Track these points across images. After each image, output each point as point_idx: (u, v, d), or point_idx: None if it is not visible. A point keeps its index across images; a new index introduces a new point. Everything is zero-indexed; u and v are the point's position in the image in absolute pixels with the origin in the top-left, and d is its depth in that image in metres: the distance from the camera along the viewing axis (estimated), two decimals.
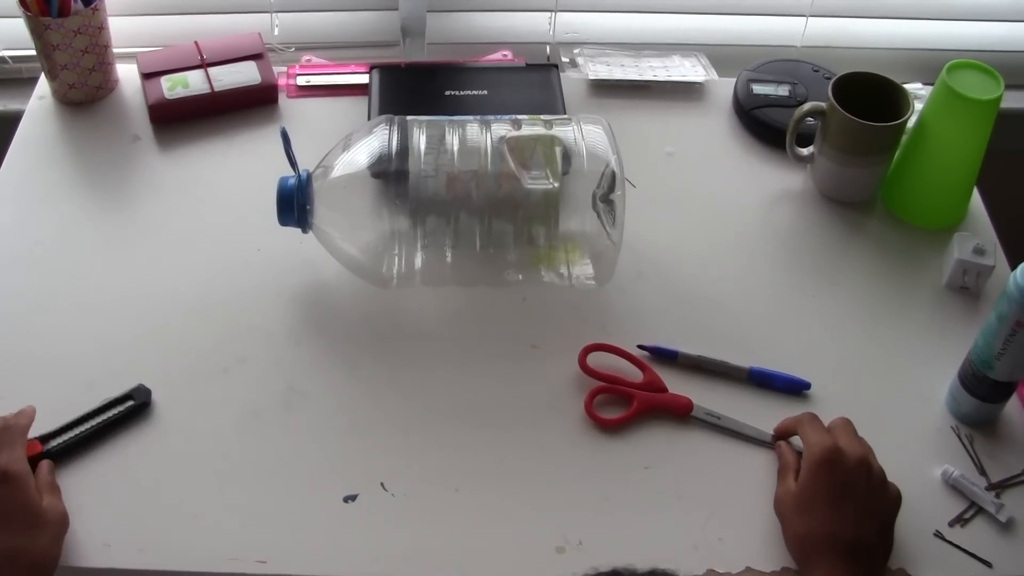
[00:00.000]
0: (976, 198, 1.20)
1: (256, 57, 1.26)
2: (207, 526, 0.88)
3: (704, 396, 0.98)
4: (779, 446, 0.94)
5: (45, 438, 0.92)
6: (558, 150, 1.00)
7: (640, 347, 1.02)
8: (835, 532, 0.84)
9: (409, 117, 1.03)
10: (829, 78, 1.20)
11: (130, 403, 0.94)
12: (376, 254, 1.00)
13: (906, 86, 1.15)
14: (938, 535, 0.91)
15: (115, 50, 1.25)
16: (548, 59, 1.38)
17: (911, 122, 1.14)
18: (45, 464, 0.89)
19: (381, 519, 0.89)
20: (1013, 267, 0.91)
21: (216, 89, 1.22)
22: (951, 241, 1.11)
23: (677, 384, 0.99)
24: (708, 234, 1.15)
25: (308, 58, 1.32)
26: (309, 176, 1.00)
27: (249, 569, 0.86)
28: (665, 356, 1.02)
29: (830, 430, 0.91)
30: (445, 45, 1.36)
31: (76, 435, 0.92)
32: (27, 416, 0.89)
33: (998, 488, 0.94)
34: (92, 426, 0.93)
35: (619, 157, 0.99)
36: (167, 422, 0.95)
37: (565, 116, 1.07)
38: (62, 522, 0.85)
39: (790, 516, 0.87)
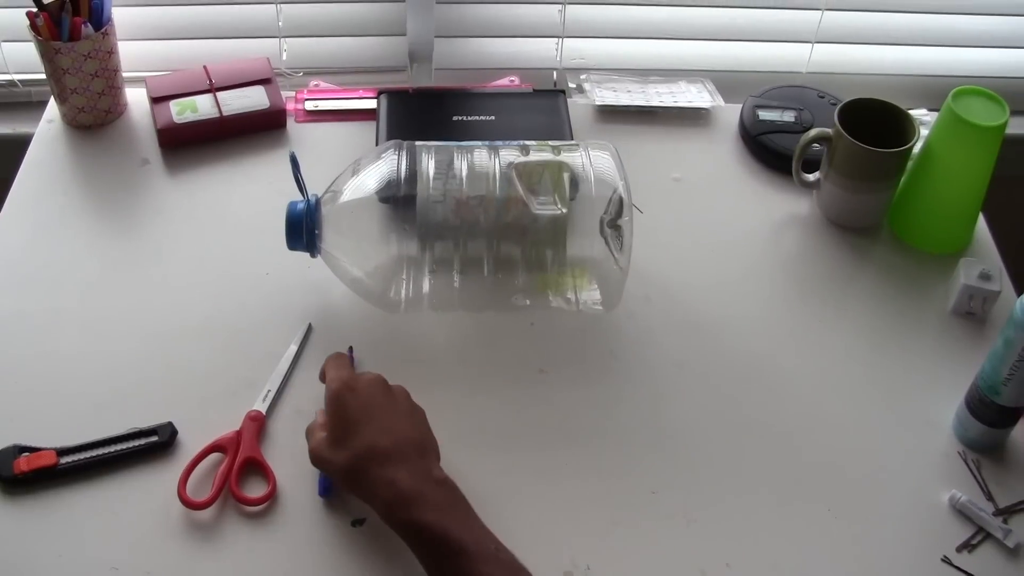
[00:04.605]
0: (981, 224, 1.20)
1: (264, 82, 1.27)
2: (215, 550, 0.88)
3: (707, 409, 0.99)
4: None
5: (62, 452, 0.92)
6: (566, 176, 1.00)
7: None
8: (374, 444, 0.86)
9: (418, 143, 1.03)
10: (835, 104, 1.20)
11: (154, 439, 0.94)
12: (384, 279, 1.00)
13: (912, 112, 1.15)
14: (946, 560, 0.91)
15: (124, 74, 1.25)
16: (555, 85, 1.38)
17: (917, 148, 1.14)
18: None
19: (389, 543, 0.88)
20: (1019, 292, 0.92)
21: (225, 113, 1.23)
22: (957, 266, 1.11)
23: (679, 392, 0.99)
24: (715, 259, 1.15)
25: (316, 83, 1.33)
26: (318, 201, 1.01)
27: None
28: None
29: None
30: (452, 71, 1.36)
31: (92, 456, 0.92)
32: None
33: (1005, 513, 0.94)
34: (110, 452, 0.93)
35: (627, 183, 0.99)
36: (174, 445, 0.95)
37: (573, 142, 1.07)
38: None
39: (329, 456, 0.88)
